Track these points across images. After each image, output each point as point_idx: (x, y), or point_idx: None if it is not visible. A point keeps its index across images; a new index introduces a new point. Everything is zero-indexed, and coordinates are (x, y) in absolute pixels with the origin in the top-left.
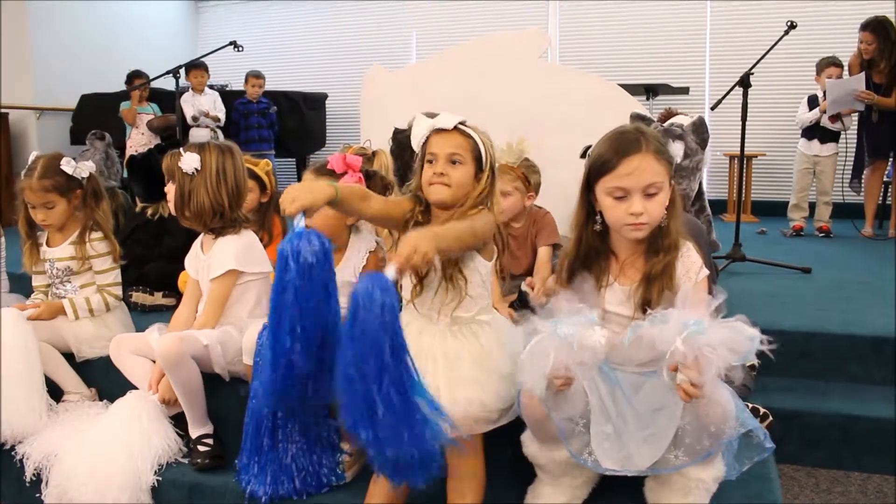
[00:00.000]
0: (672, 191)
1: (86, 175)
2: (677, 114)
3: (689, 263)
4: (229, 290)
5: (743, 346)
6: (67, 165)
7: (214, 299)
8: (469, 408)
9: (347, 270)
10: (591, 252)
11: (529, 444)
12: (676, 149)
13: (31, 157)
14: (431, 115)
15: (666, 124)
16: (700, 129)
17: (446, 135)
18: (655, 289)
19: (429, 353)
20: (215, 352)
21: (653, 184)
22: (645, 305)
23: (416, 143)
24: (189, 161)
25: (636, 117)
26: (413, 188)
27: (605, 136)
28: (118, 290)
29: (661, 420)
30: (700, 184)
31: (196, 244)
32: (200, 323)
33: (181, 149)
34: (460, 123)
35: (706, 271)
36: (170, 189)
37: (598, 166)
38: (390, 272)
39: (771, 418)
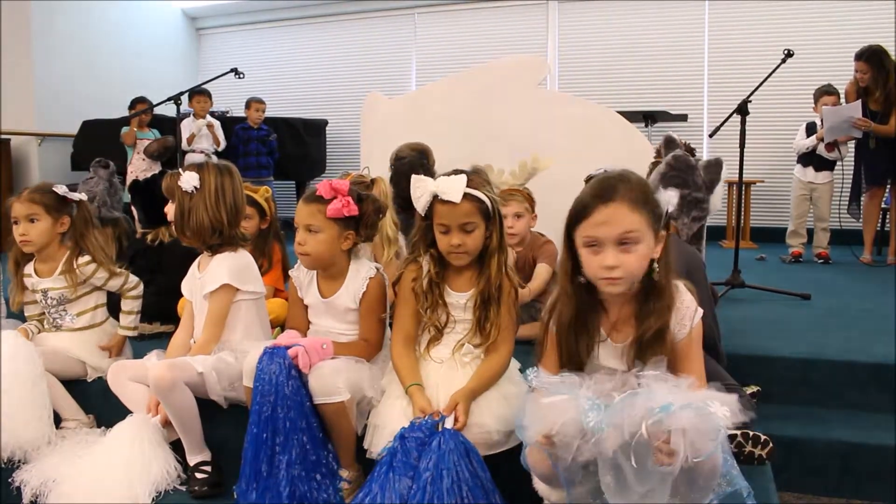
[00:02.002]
0: (665, 241)
1: (76, 201)
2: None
3: (684, 311)
4: (227, 306)
5: (713, 428)
6: (59, 189)
7: (213, 317)
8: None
9: (348, 297)
10: (581, 307)
11: (538, 481)
12: (669, 196)
13: None
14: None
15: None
16: (712, 168)
17: (455, 204)
18: (648, 352)
19: (433, 386)
20: (210, 379)
21: (627, 234)
22: (638, 362)
23: (419, 207)
24: (189, 180)
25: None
26: (418, 247)
27: (592, 180)
28: (137, 291)
29: (656, 475)
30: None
31: (193, 265)
32: (202, 342)
33: (180, 168)
34: (466, 186)
35: (701, 311)
36: (170, 208)
37: (577, 211)
38: (449, 423)
39: (771, 445)
